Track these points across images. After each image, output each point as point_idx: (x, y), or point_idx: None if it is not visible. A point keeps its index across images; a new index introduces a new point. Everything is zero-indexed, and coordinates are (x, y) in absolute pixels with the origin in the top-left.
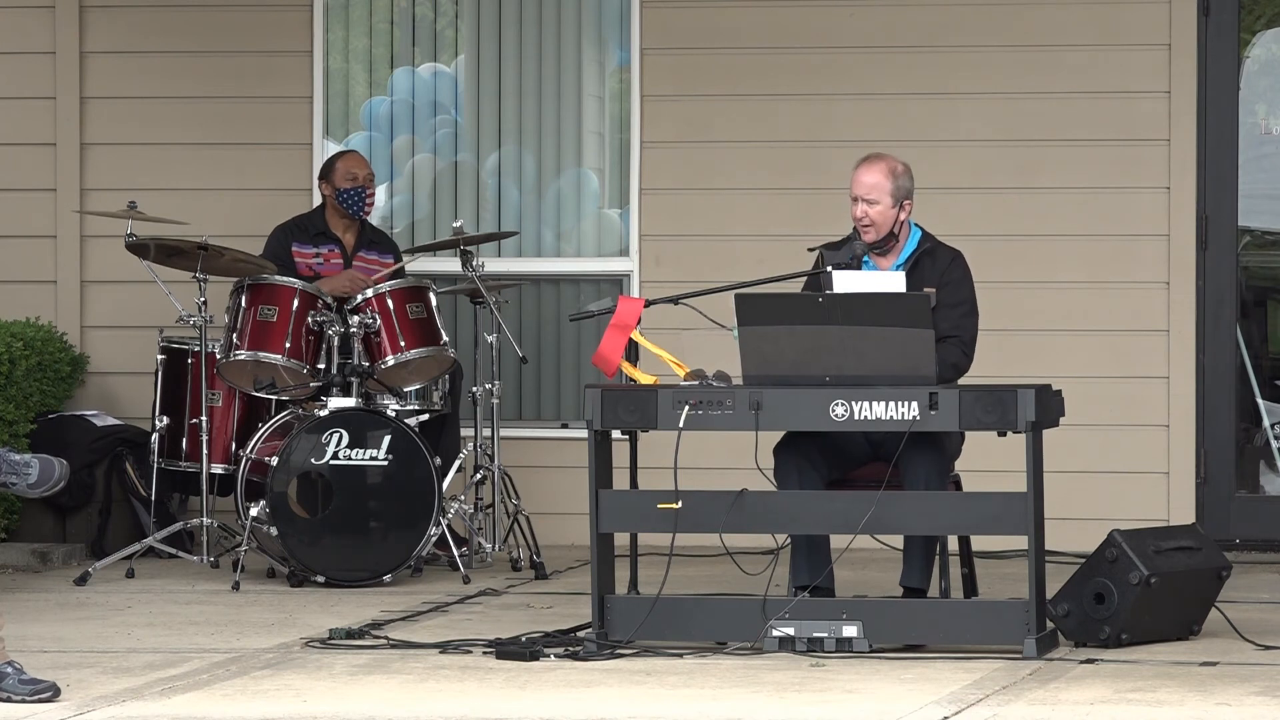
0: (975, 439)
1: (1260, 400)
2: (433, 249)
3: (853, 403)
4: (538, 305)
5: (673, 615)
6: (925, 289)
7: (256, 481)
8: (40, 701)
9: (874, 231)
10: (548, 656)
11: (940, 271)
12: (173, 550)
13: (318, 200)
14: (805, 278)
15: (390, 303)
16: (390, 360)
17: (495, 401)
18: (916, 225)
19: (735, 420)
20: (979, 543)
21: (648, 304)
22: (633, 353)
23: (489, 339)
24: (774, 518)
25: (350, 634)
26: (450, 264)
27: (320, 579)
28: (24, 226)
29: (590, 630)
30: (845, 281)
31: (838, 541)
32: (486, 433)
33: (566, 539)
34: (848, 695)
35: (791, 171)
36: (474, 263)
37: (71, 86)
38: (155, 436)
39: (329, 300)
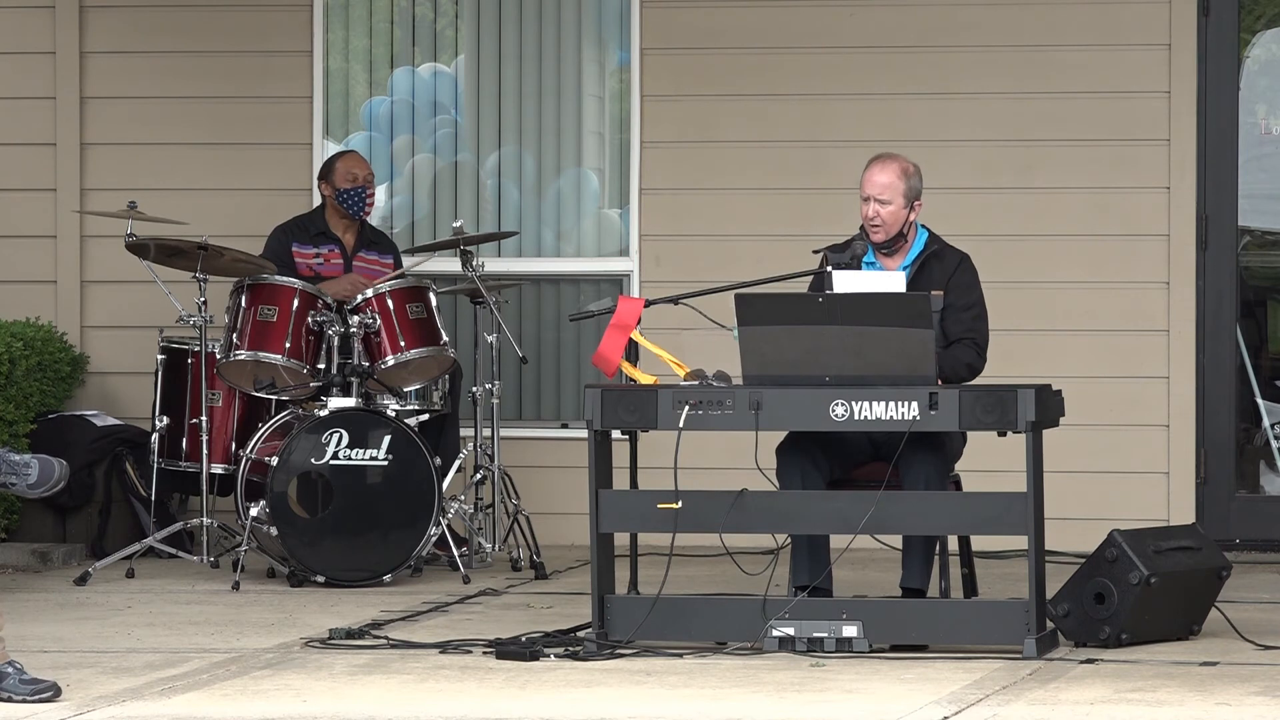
0: (975, 439)
1: (1260, 400)
2: (433, 249)
3: (853, 403)
4: (538, 305)
5: (673, 615)
6: (933, 291)
7: (256, 481)
8: (41, 701)
9: (883, 232)
10: (548, 656)
11: (948, 274)
12: (173, 550)
13: (318, 200)
14: (810, 278)
15: (390, 303)
16: (390, 360)
17: (495, 401)
18: (923, 226)
19: (735, 420)
20: (979, 543)
21: (648, 304)
22: (633, 353)
23: (489, 339)
24: (774, 518)
25: (350, 634)
26: (450, 264)
27: (320, 579)
28: (24, 226)
29: (590, 630)
30: (845, 281)
31: (838, 541)
32: (486, 433)
33: (566, 539)
34: (847, 695)
35: (791, 171)
36: (474, 263)
37: (71, 86)
38: (155, 436)
39: (329, 300)
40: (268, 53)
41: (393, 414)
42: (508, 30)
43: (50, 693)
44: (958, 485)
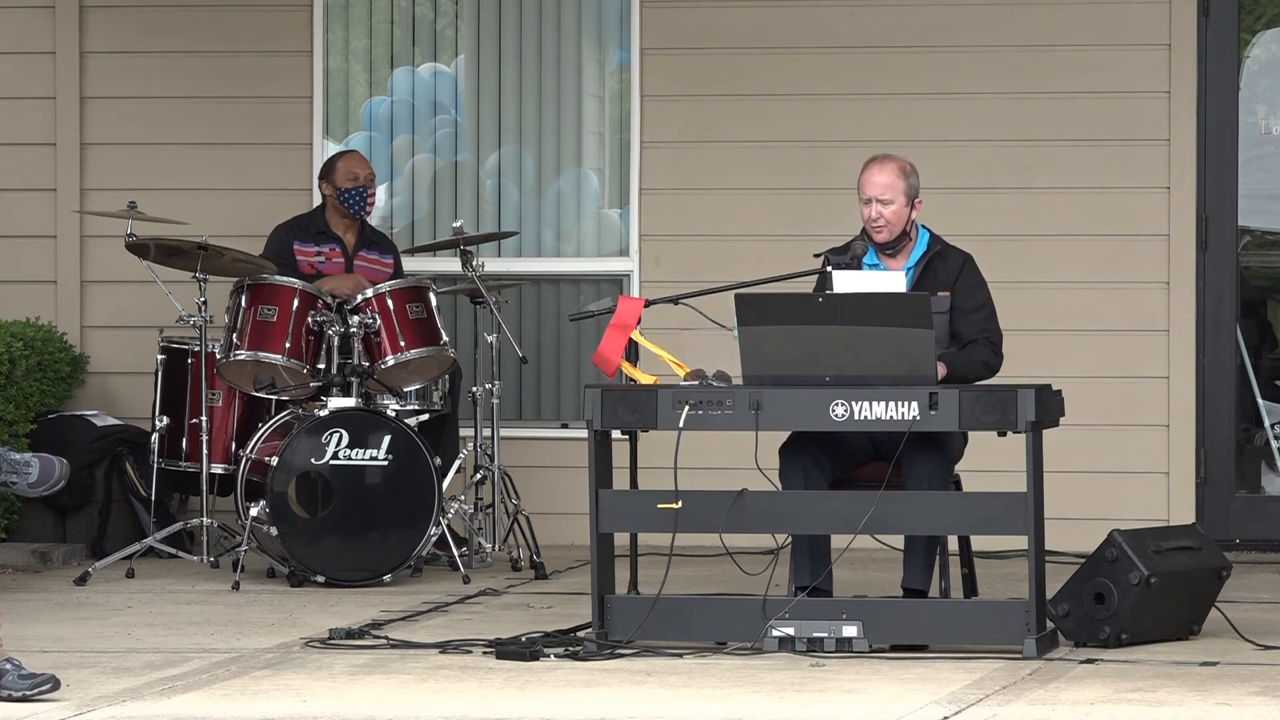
0: (975, 439)
1: (1260, 400)
2: (433, 249)
3: (853, 403)
4: (538, 305)
5: (673, 615)
6: (939, 293)
7: (256, 481)
8: (39, 692)
9: (887, 232)
10: (548, 656)
11: (953, 275)
12: (173, 550)
13: (318, 200)
14: (815, 279)
15: (390, 303)
16: (390, 360)
17: (495, 401)
18: (924, 226)
19: (735, 420)
20: (979, 543)
21: (648, 304)
22: (633, 353)
23: (489, 339)
24: (774, 518)
25: (350, 634)
26: (450, 264)
27: (320, 579)
28: (24, 226)
29: (590, 630)
30: (845, 281)
31: (838, 541)
32: (486, 433)
33: (566, 539)
34: (847, 695)
35: (791, 171)
36: (474, 263)
37: (71, 86)
38: (155, 436)
39: (329, 300)
40: (268, 53)
41: (393, 414)
42: (508, 30)
43: (49, 685)
44: (958, 485)
